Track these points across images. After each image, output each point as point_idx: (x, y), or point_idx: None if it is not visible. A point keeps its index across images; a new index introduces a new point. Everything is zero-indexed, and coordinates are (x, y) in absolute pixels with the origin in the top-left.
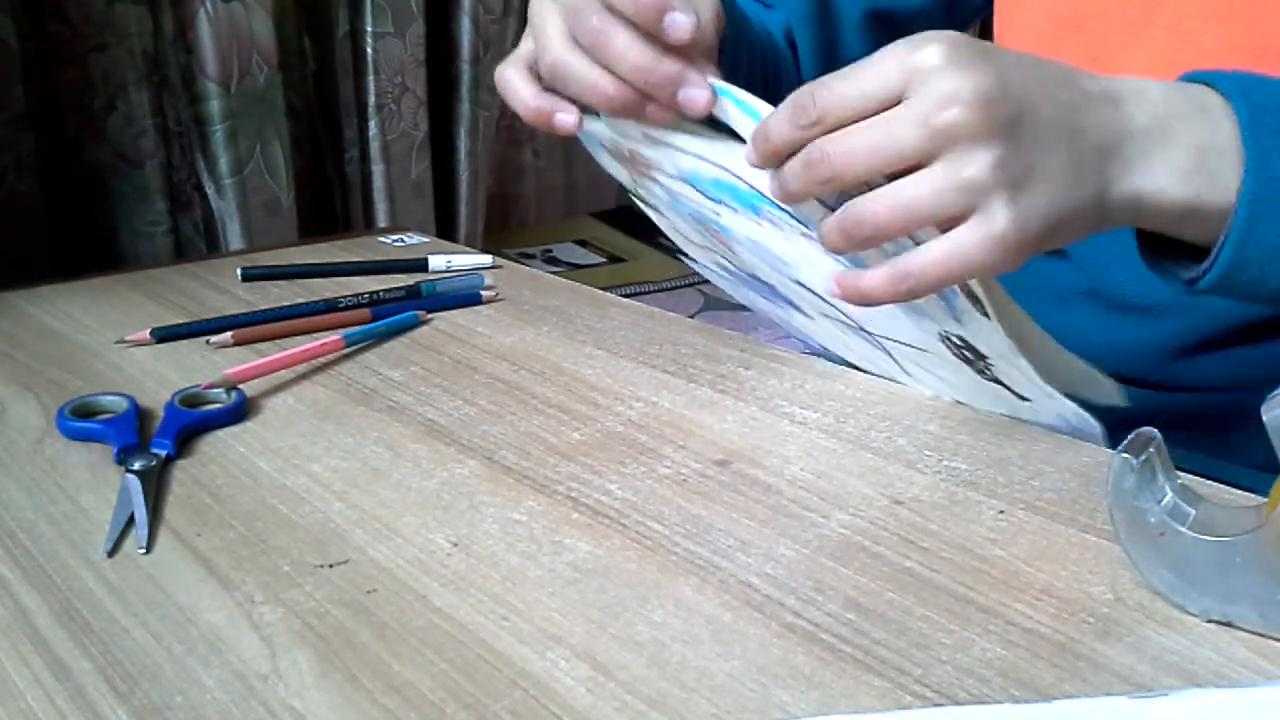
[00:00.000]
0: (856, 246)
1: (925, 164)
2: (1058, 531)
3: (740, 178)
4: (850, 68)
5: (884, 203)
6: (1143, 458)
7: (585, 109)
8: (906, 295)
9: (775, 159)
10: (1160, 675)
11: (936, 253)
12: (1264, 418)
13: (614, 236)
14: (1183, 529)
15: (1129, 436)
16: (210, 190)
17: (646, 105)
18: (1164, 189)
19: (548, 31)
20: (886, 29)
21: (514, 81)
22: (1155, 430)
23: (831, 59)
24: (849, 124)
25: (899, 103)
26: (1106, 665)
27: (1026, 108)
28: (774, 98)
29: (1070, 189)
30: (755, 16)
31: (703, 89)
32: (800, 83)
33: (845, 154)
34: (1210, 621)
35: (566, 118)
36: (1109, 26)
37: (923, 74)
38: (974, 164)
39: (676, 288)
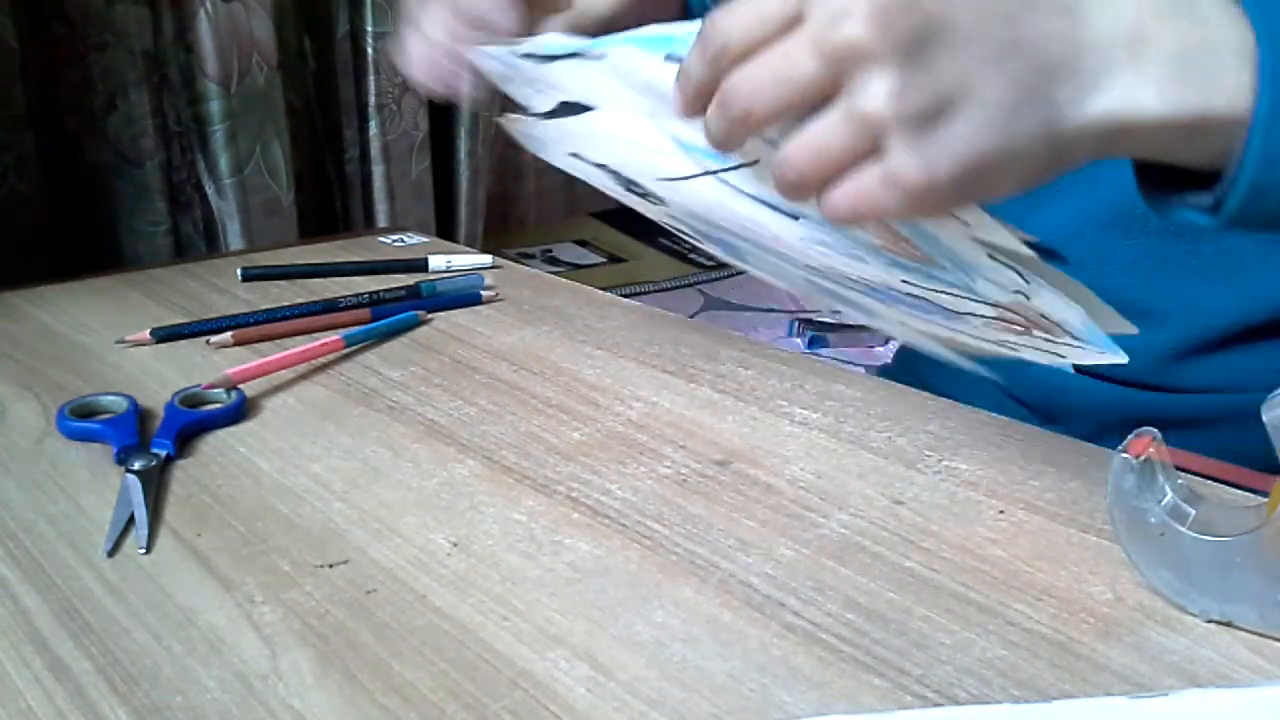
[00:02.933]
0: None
1: (832, 95)
2: (1058, 531)
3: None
4: None
5: (796, 153)
6: (1143, 458)
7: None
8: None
9: (699, 103)
10: (1160, 675)
11: (840, 196)
12: (1264, 418)
13: (614, 236)
14: (1183, 529)
15: (1129, 436)
16: (210, 190)
17: None
18: (1138, 107)
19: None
20: None
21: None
22: (1156, 430)
23: None
24: (754, 50)
25: (800, 23)
26: (1106, 665)
27: (939, 21)
28: None
29: (1003, 123)
30: None
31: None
32: None
33: (751, 87)
34: (1210, 621)
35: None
36: None
37: None
38: (866, 94)
39: (676, 288)
